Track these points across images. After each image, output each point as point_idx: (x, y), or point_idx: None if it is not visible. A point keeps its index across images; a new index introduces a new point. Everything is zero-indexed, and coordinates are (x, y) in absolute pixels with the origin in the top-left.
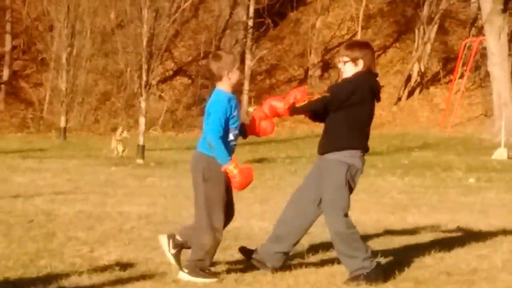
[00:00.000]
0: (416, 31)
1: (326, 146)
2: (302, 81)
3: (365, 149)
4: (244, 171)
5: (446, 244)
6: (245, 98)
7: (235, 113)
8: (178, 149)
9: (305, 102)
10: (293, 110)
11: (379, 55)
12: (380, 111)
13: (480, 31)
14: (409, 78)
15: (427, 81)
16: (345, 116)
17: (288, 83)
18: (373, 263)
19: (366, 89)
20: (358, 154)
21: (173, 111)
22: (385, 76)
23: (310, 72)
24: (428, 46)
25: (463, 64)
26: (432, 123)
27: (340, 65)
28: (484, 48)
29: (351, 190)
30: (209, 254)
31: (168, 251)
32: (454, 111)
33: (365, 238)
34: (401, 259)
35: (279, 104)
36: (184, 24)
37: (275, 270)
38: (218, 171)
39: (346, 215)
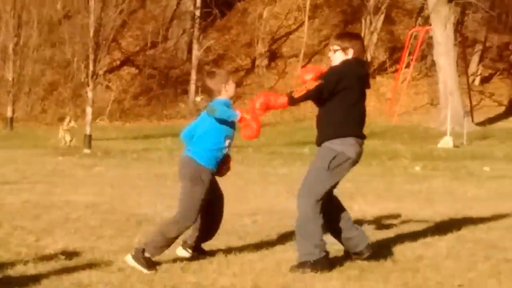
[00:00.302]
0: (363, 20)
1: (320, 137)
2: (249, 70)
3: (358, 136)
4: (256, 119)
5: (391, 231)
6: (192, 88)
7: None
8: (125, 139)
9: (303, 91)
10: (292, 101)
11: (325, 45)
12: None
13: (427, 21)
14: None
15: (374, 71)
16: (336, 104)
17: (235, 73)
18: (322, 253)
19: (353, 76)
20: (350, 142)
21: (120, 101)
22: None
23: (257, 62)
24: (375, 36)
25: (409, 54)
26: (378, 112)
27: (330, 54)
28: (430, 38)
29: (338, 177)
30: (166, 245)
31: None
32: (400, 100)
33: None
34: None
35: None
36: (131, 14)
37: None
38: (205, 178)
39: (318, 201)
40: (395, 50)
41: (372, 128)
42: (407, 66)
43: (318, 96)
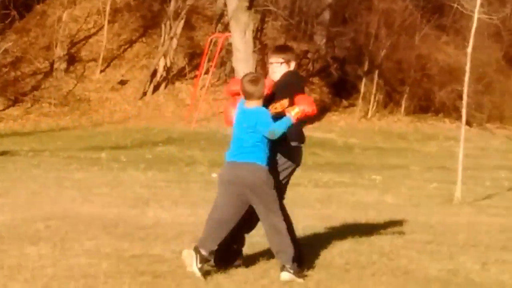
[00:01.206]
0: (163, 26)
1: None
2: (48, 74)
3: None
4: (301, 102)
5: (185, 238)
6: None
7: None
8: None
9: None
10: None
11: (125, 49)
12: (126, 105)
13: (226, 27)
14: (155, 73)
15: (173, 76)
16: None
17: (33, 76)
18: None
19: (302, 86)
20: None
21: None
22: (131, 70)
23: (55, 65)
24: (174, 41)
25: (209, 60)
26: (177, 118)
27: (274, 66)
28: (230, 44)
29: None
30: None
31: (195, 265)
32: (199, 106)
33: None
34: (141, 252)
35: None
36: None
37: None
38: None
39: None
40: (194, 56)
41: (170, 134)
42: (206, 72)
43: None
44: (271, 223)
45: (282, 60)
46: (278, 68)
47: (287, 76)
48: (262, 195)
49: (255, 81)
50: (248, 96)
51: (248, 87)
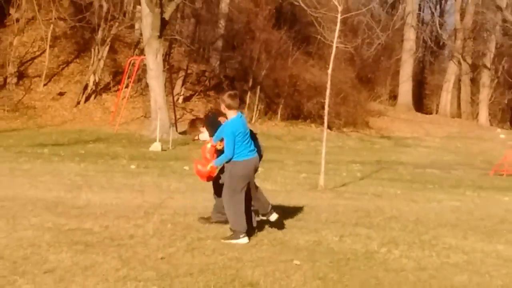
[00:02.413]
0: (93, 50)
1: None
2: (2, 86)
3: None
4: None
5: (110, 215)
6: None
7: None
8: None
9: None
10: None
11: (63, 68)
12: (63, 111)
13: (142, 52)
14: (86, 87)
15: (101, 89)
16: None
17: None
18: None
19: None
20: None
21: None
22: (67, 85)
23: (8, 80)
24: (102, 62)
25: (129, 77)
26: (104, 122)
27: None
28: (145, 65)
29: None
30: None
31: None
32: (121, 113)
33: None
34: (76, 227)
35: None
36: None
37: None
38: None
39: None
40: (117, 74)
41: (98, 135)
42: (127, 86)
43: None
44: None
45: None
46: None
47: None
48: None
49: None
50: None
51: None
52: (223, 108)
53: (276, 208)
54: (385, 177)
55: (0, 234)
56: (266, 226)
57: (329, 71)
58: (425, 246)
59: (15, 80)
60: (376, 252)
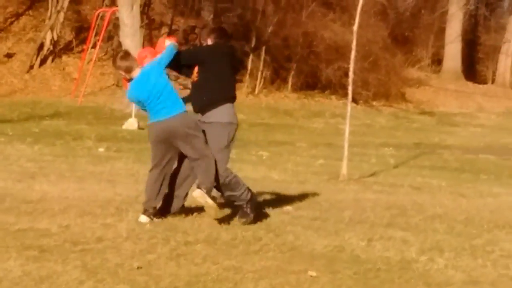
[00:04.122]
0: None
1: None
2: None
3: None
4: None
5: (72, 212)
6: None
7: None
8: None
9: None
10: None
11: (11, 22)
12: (12, 78)
13: (114, 2)
14: (41, 46)
15: (60, 50)
16: None
17: None
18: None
19: None
20: None
21: None
22: (17, 43)
23: None
24: (62, 15)
25: (96, 34)
26: (64, 92)
27: None
28: (117, 19)
29: None
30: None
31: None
32: (86, 80)
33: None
34: (27, 226)
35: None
36: None
37: None
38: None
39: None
40: (82, 30)
41: (57, 108)
42: (94, 46)
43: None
44: None
45: None
46: None
47: None
48: None
49: (125, 56)
50: (129, 70)
51: (123, 62)
52: (127, 77)
53: (285, 203)
54: (426, 165)
55: None
56: (273, 227)
57: (355, 27)
58: (477, 253)
59: None
60: (414, 261)
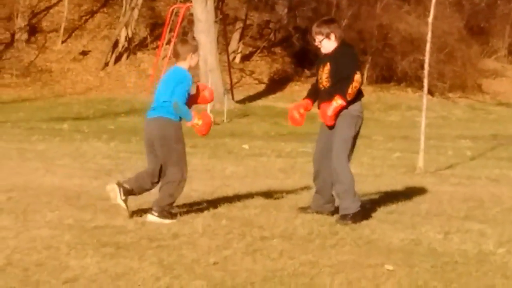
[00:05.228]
0: None
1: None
2: (9, 45)
3: None
4: (205, 119)
5: (147, 210)
6: None
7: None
8: None
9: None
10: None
11: (86, 20)
12: (88, 76)
13: None
14: (116, 44)
15: (135, 47)
16: None
17: None
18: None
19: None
20: None
21: None
22: (92, 41)
23: (16, 36)
24: (136, 12)
25: (170, 30)
26: (139, 88)
27: (317, 43)
28: (191, 15)
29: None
30: (174, 201)
31: (120, 197)
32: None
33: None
34: (104, 223)
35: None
36: None
37: None
38: (181, 134)
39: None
40: (156, 27)
41: (132, 105)
42: (168, 42)
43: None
44: None
45: (321, 37)
46: (321, 44)
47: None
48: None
49: (183, 41)
50: (176, 55)
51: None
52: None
53: (362, 198)
54: (503, 157)
55: (7, 234)
56: (348, 222)
57: (430, 19)
58: None
59: (25, 36)
60: (492, 254)
